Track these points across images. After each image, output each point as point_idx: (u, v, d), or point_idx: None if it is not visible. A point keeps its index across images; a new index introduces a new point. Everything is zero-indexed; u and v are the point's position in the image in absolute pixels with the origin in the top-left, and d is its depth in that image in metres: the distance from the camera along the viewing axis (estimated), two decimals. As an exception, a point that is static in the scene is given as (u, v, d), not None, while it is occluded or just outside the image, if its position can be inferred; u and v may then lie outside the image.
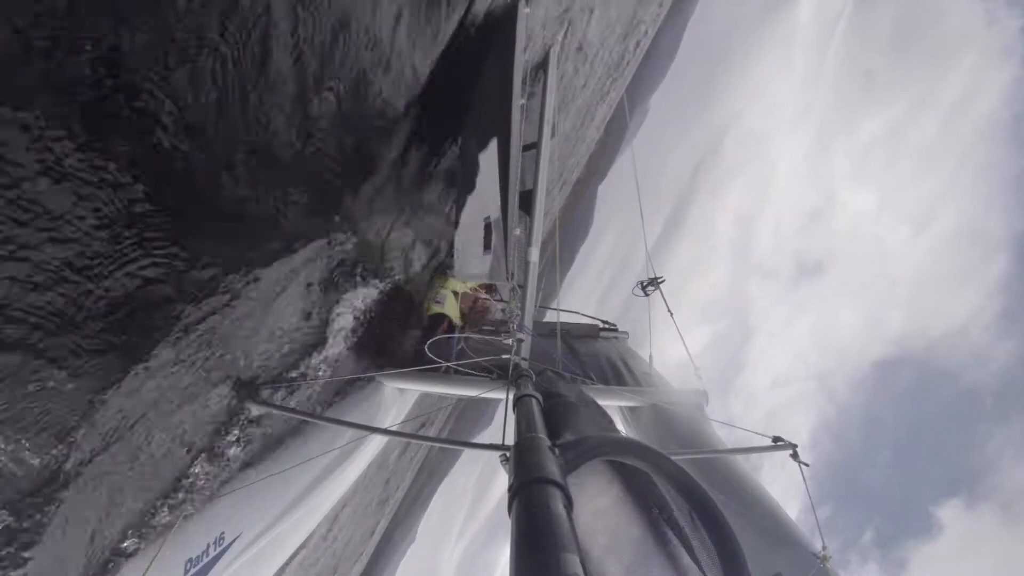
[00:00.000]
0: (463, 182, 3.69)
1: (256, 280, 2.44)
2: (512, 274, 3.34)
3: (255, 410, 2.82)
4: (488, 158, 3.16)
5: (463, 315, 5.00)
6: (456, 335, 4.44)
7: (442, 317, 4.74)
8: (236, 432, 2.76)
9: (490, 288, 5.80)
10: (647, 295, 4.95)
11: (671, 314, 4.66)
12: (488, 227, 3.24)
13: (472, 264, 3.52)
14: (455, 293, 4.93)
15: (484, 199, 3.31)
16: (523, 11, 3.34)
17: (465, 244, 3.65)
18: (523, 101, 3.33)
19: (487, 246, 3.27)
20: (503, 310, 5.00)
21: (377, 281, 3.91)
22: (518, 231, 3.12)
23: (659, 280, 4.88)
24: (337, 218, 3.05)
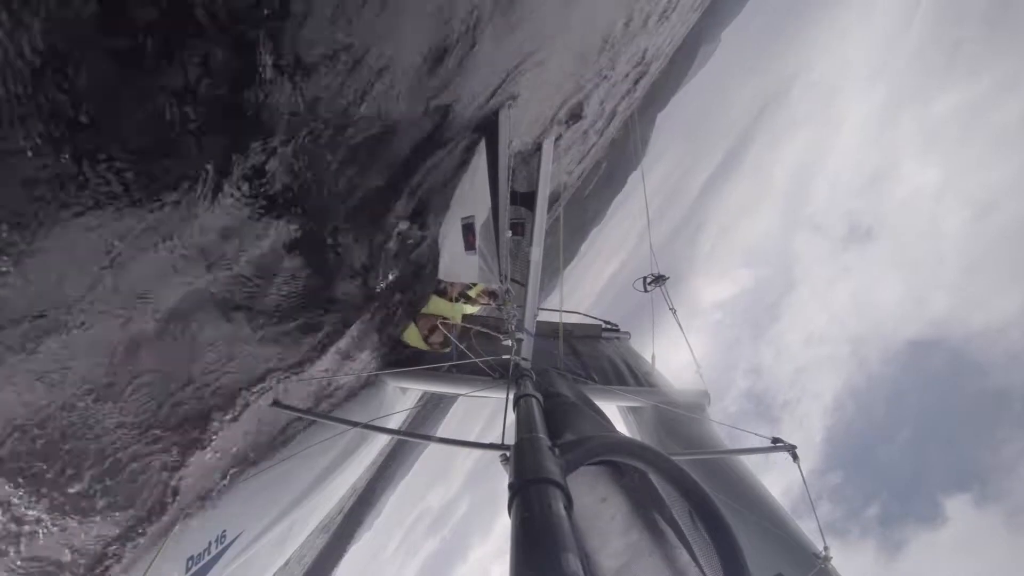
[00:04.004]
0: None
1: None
2: (505, 275, 3.35)
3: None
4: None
5: (426, 338, 4.45)
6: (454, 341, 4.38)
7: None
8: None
9: (493, 294, 5.77)
10: (647, 291, 4.93)
11: (673, 311, 4.65)
12: (468, 227, 3.26)
13: (457, 266, 3.54)
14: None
15: (475, 200, 3.35)
16: (505, 114, 3.36)
17: (448, 245, 3.67)
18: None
19: (469, 246, 3.28)
20: (500, 308, 4.96)
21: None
22: (509, 234, 3.13)
23: (664, 278, 4.86)
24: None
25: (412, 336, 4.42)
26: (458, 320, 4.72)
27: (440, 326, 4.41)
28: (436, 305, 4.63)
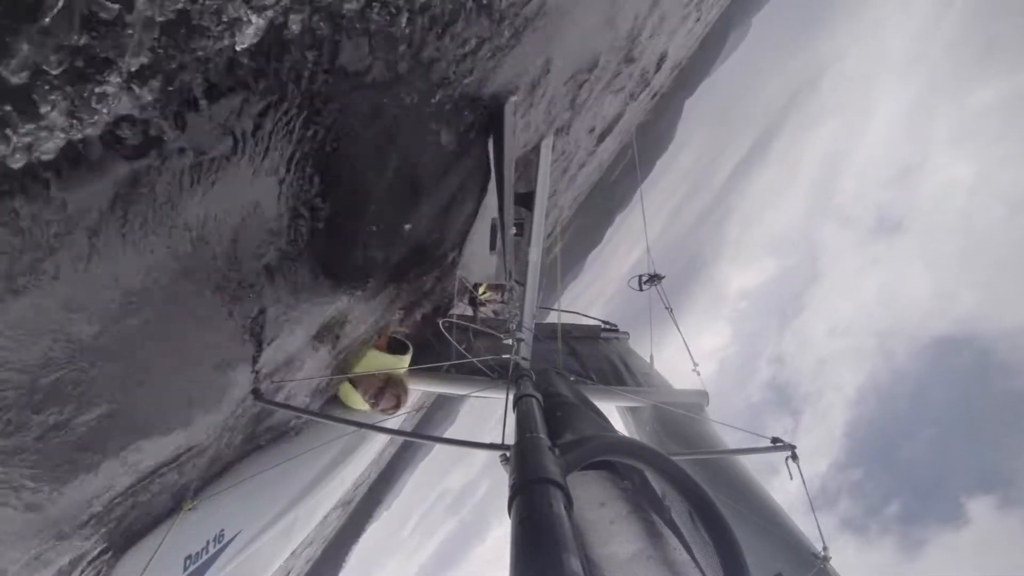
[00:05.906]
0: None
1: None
2: (511, 272, 3.36)
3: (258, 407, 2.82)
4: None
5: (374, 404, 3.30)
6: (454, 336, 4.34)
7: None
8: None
9: (499, 288, 5.75)
10: (642, 290, 4.90)
11: (670, 310, 4.64)
12: (495, 227, 3.28)
13: (479, 264, 3.56)
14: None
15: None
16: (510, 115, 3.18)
17: (472, 244, 3.70)
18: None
19: (493, 245, 3.30)
20: (499, 309, 4.96)
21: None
22: (513, 231, 3.13)
23: (659, 277, 4.84)
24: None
25: (351, 398, 3.34)
26: (403, 369, 3.44)
27: (395, 391, 3.30)
28: (376, 361, 3.34)
